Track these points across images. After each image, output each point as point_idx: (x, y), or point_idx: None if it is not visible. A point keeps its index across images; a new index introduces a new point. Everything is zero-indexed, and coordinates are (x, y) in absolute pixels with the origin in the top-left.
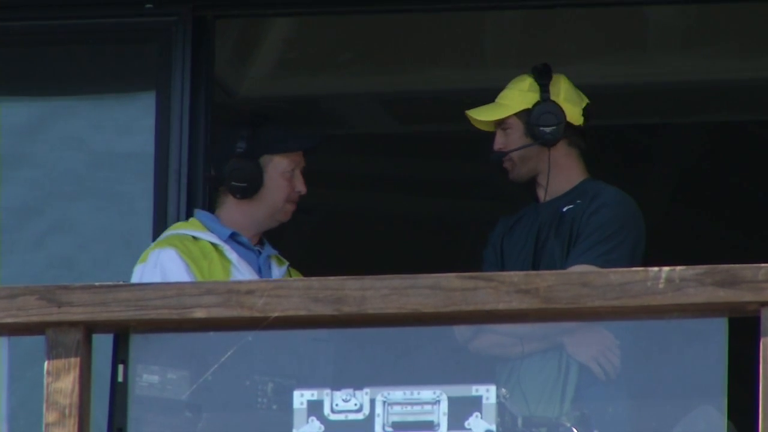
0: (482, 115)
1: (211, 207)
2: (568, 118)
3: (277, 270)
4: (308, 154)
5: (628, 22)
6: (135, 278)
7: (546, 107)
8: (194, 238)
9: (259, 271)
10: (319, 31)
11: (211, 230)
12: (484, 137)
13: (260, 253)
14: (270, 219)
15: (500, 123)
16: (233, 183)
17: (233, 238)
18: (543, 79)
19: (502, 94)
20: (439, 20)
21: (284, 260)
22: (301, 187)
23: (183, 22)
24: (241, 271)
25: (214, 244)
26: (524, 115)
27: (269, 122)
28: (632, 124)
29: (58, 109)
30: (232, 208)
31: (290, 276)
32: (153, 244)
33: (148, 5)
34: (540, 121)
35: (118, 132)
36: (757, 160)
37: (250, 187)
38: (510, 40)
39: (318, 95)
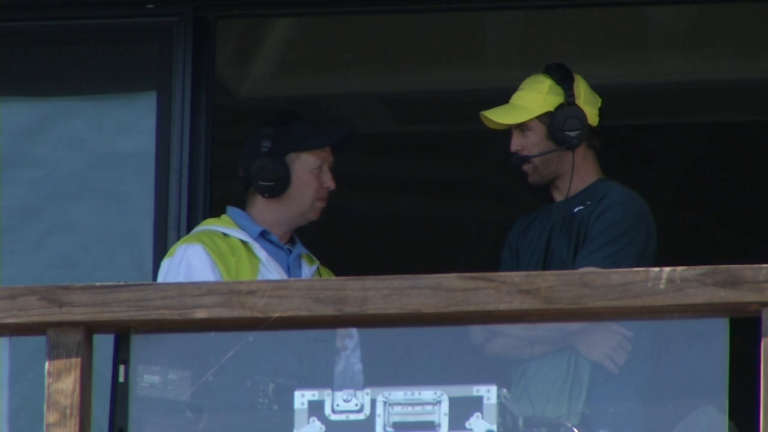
0: (503, 118)
1: (212, 207)
2: (588, 120)
3: (308, 269)
4: (336, 149)
5: (629, 23)
6: (161, 273)
7: (570, 111)
8: (224, 234)
9: (288, 270)
10: (320, 31)
11: (242, 227)
12: (485, 138)
13: (290, 251)
14: (300, 217)
15: (519, 125)
16: (260, 183)
17: (263, 236)
18: (566, 82)
19: (519, 95)
20: (441, 20)
21: (315, 259)
22: (329, 183)
23: (184, 23)
24: (270, 269)
25: (243, 242)
26: (546, 118)
27: (295, 120)
28: (633, 125)
29: (59, 109)
30: (261, 207)
31: (320, 275)
32: (182, 239)
33: (149, 5)
34: (566, 126)
35: (119, 132)
36: (758, 161)
37: (278, 186)
38: (511, 40)
39: (319, 95)
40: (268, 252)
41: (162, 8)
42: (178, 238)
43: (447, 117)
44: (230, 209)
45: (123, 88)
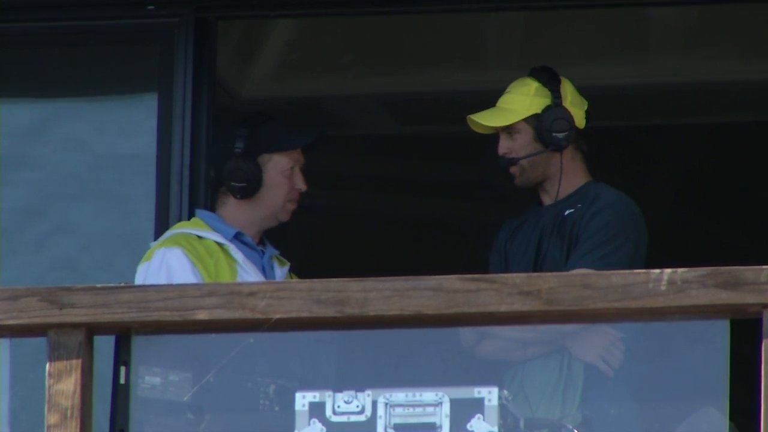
0: (490, 121)
1: (211, 208)
2: (575, 123)
3: (279, 270)
4: (307, 151)
5: (630, 24)
6: (139, 277)
7: (557, 112)
8: (199, 237)
9: (263, 271)
10: (321, 32)
11: (216, 229)
12: (485, 139)
13: (263, 253)
14: (271, 218)
15: (506, 127)
16: (233, 183)
17: (238, 238)
18: (553, 84)
19: (506, 98)
20: (441, 22)
21: (285, 261)
22: (301, 185)
23: (185, 24)
24: (247, 271)
25: (219, 244)
26: (533, 120)
27: (267, 121)
28: (634, 126)
29: (61, 110)
30: (233, 208)
31: (291, 277)
32: (157, 243)
33: (150, 6)
34: (553, 127)
35: (120, 133)
36: (759, 162)
37: (250, 187)
38: (512, 41)
39: (320, 96)
40: (244, 254)
41: (163, 9)
42: None
43: (447, 118)
44: (200, 212)
45: (124, 90)
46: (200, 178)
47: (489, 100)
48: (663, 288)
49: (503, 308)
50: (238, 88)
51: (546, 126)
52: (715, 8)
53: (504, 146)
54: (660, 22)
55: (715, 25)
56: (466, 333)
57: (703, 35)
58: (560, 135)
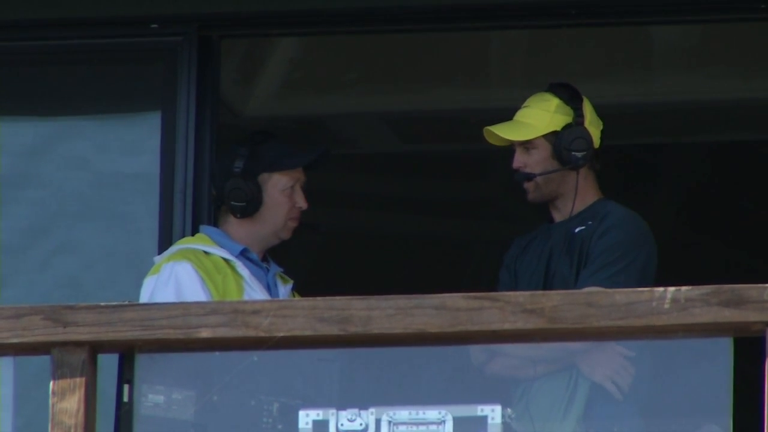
0: (509, 135)
1: (215, 224)
2: (593, 142)
3: (282, 288)
4: (310, 169)
5: (633, 42)
6: (146, 290)
7: (578, 131)
8: (206, 252)
9: (268, 288)
10: (324, 50)
11: (222, 245)
12: (489, 157)
13: (268, 270)
14: (272, 236)
15: (523, 142)
16: (233, 203)
17: (243, 254)
18: (574, 102)
19: (526, 112)
20: (444, 40)
21: (288, 279)
22: (301, 203)
23: (188, 42)
24: (254, 287)
25: (226, 260)
26: (551, 136)
27: (267, 140)
28: (637, 144)
29: (64, 129)
30: (235, 226)
31: (294, 296)
32: (164, 257)
33: (153, 25)
34: (572, 146)
35: (124, 152)
36: (762, 180)
37: (250, 207)
38: (515, 59)
39: (323, 115)
40: (250, 270)
41: (166, 28)
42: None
43: (450, 136)
44: (205, 228)
45: (127, 108)
46: (203, 196)
47: (492, 118)
48: (666, 306)
49: (507, 326)
50: (241, 106)
51: (565, 144)
52: (718, 27)
53: (519, 160)
54: (663, 41)
55: (717, 44)
56: (477, 351)
57: (706, 54)
58: (579, 154)
